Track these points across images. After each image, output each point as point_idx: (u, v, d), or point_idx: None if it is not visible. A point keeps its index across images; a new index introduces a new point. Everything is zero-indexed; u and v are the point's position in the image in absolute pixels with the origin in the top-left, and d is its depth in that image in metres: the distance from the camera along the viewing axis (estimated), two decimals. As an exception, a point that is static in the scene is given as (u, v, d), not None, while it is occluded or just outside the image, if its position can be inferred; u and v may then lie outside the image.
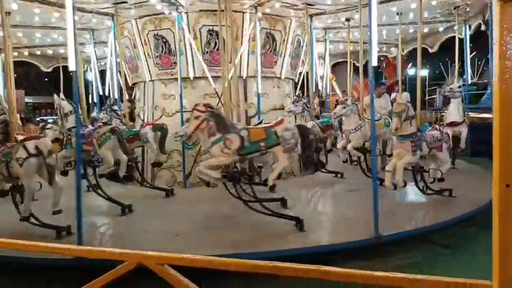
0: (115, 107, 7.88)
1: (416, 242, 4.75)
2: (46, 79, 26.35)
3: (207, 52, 7.65)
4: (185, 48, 7.60)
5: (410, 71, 28.82)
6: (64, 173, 5.76)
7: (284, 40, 8.33)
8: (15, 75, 8.57)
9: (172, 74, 7.86)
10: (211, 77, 7.57)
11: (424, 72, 25.28)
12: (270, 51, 8.18)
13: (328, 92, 12.24)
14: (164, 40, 7.76)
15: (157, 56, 7.93)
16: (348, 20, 9.11)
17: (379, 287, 1.51)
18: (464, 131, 7.78)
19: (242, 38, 7.67)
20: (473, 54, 20.15)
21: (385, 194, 5.37)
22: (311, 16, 8.55)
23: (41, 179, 4.57)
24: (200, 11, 7.46)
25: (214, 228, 4.85)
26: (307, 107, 7.97)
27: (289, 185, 7.04)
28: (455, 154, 7.71)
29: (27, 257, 3.72)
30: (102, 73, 11.21)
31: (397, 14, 8.46)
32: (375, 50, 4.33)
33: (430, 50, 11.04)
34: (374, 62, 4.29)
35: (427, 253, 4.68)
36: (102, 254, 1.99)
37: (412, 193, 5.98)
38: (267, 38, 8.02)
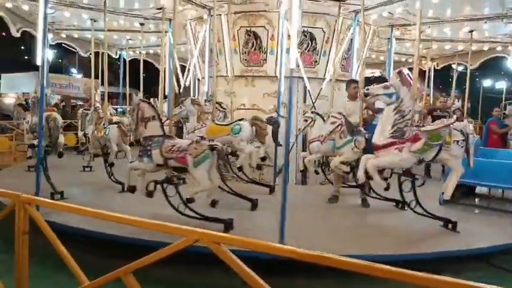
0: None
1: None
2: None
3: (298, 52, 7.79)
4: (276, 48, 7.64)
5: (486, 83, 26.60)
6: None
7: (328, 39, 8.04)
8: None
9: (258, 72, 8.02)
10: (273, 76, 7.72)
11: (501, 84, 23.31)
12: (349, 56, 8.09)
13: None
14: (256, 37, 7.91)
15: (245, 52, 8.02)
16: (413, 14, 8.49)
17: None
18: None
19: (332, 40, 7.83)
20: None
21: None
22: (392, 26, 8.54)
23: None
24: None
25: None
26: (222, 107, 7.61)
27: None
28: None
29: (95, 231, 4.30)
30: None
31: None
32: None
33: None
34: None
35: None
36: (164, 228, 2.16)
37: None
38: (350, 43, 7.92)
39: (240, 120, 6.48)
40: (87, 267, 2.63)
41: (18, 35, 8.92)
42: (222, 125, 6.53)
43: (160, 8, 8.22)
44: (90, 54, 9.93)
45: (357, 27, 7.60)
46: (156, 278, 3.57)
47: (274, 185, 6.93)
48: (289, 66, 4.09)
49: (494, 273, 4.48)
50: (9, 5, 8.26)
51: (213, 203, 4.78)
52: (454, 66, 12.53)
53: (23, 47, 27.35)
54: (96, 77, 9.79)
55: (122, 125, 7.00)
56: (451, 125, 4.89)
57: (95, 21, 9.30)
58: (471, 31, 9.07)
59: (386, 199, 5.99)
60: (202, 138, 4.99)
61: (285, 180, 4.05)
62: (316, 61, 8.07)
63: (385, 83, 4.83)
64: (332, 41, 8.07)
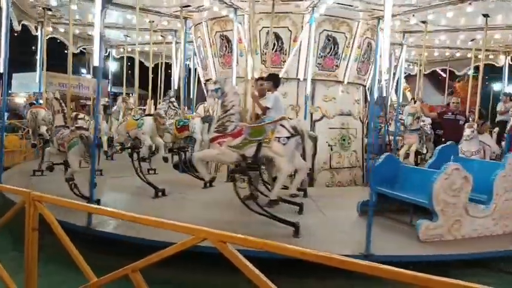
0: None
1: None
2: (129, 71, 28.67)
3: (265, 53, 7.76)
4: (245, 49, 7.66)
5: (496, 86, 25.90)
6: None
7: (349, 43, 8.03)
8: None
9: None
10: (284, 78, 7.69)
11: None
12: (331, 55, 7.95)
13: (400, 101, 11.61)
14: (228, 40, 8.12)
15: (221, 56, 8.31)
16: (424, 22, 8.38)
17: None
18: None
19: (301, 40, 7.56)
20: None
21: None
22: (378, 18, 7.86)
23: None
24: (260, 13, 7.51)
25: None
26: (174, 106, 8.40)
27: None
28: None
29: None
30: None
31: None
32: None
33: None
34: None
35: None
36: (171, 226, 2.18)
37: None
38: (327, 40, 7.81)
39: (147, 115, 7.37)
40: (94, 265, 2.66)
41: (19, 28, 9.10)
42: (135, 119, 7.34)
43: (186, 6, 8.25)
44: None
45: (313, 24, 7.30)
46: (163, 279, 3.59)
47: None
48: (95, 64, 4.49)
49: (502, 279, 4.43)
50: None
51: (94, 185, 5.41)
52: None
53: (33, 47, 27.72)
54: (106, 77, 10.17)
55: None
56: (279, 122, 4.77)
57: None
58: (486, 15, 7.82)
59: (284, 200, 5.41)
60: (78, 128, 5.69)
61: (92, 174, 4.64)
62: (284, 61, 7.82)
63: (215, 79, 4.95)
64: (352, 46, 8.03)
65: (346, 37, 7.96)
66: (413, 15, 7.90)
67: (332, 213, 5.54)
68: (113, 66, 16.26)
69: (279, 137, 4.65)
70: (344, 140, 8.24)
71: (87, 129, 5.91)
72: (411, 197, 4.94)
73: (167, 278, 3.79)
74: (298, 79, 7.77)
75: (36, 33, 9.63)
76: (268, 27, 7.52)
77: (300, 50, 7.58)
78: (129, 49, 12.58)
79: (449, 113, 7.84)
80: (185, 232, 2.08)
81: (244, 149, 4.59)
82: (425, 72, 13.85)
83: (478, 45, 9.90)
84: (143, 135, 6.90)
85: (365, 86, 9.03)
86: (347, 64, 8.11)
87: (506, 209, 4.93)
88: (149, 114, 7.47)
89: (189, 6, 8.02)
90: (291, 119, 5.53)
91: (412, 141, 8.72)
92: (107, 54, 13.15)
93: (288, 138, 4.68)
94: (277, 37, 7.72)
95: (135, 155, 6.37)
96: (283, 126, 4.72)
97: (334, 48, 7.96)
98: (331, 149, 8.08)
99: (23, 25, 9.25)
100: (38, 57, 9.75)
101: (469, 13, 7.59)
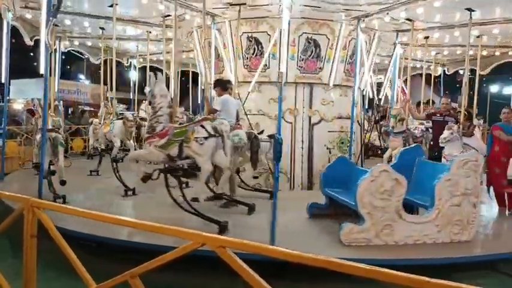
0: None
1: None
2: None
3: (247, 58, 7.81)
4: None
5: (493, 88, 26.00)
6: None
7: (332, 45, 7.93)
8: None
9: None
10: (255, 82, 7.73)
11: (509, 90, 23.01)
12: (313, 57, 7.89)
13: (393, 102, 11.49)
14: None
15: (209, 61, 8.33)
16: (409, 20, 8.04)
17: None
18: None
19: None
20: None
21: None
22: (358, 18, 7.66)
23: None
24: (241, 18, 7.54)
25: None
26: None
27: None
28: None
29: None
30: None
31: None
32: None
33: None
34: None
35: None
36: (171, 231, 2.18)
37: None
38: (307, 43, 7.77)
39: (118, 119, 7.89)
40: (94, 271, 2.66)
41: (31, 43, 9.39)
42: (110, 123, 7.91)
43: (167, 16, 8.37)
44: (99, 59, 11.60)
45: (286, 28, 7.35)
46: (165, 283, 3.59)
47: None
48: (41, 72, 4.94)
49: (500, 280, 4.44)
50: (28, 15, 8.72)
51: (62, 182, 6.08)
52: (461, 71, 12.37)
53: (31, 54, 27.78)
54: (105, 83, 10.41)
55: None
56: (200, 123, 4.99)
57: (103, 29, 9.87)
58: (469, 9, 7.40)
59: (236, 201, 5.90)
60: (50, 130, 6.21)
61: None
62: (265, 65, 7.83)
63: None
64: (336, 47, 7.96)
65: (329, 39, 7.87)
66: (388, 13, 7.64)
67: (285, 215, 5.10)
68: (134, 76, 16.74)
69: (197, 137, 4.85)
70: (343, 143, 8.24)
71: (57, 130, 6.54)
72: (344, 199, 4.80)
73: (169, 282, 3.79)
74: (296, 83, 7.81)
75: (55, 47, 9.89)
76: (247, 32, 7.67)
77: (279, 53, 7.47)
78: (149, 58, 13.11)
79: (438, 115, 7.51)
80: (184, 238, 2.09)
81: (168, 148, 4.83)
82: (449, 73, 13.82)
83: (497, 42, 9.59)
84: (114, 137, 7.53)
85: (361, 89, 9.03)
86: (332, 66, 8.01)
87: (454, 215, 4.46)
88: (120, 118, 7.99)
89: (169, 16, 8.11)
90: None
91: (396, 144, 8.26)
92: (128, 64, 14.11)
93: (206, 138, 4.84)
94: (257, 42, 7.79)
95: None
96: (203, 127, 4.92)
97: (315, 51, 7.86)
98: (330, 152, 8.09)
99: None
100: (55, 68, 10.21)
101: (459, 8, 7.38)
